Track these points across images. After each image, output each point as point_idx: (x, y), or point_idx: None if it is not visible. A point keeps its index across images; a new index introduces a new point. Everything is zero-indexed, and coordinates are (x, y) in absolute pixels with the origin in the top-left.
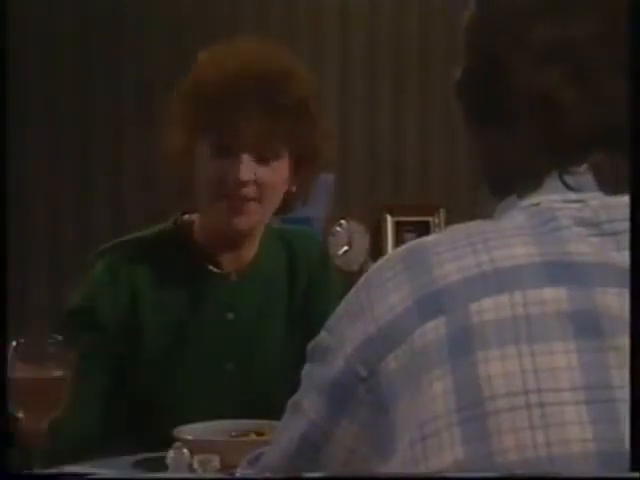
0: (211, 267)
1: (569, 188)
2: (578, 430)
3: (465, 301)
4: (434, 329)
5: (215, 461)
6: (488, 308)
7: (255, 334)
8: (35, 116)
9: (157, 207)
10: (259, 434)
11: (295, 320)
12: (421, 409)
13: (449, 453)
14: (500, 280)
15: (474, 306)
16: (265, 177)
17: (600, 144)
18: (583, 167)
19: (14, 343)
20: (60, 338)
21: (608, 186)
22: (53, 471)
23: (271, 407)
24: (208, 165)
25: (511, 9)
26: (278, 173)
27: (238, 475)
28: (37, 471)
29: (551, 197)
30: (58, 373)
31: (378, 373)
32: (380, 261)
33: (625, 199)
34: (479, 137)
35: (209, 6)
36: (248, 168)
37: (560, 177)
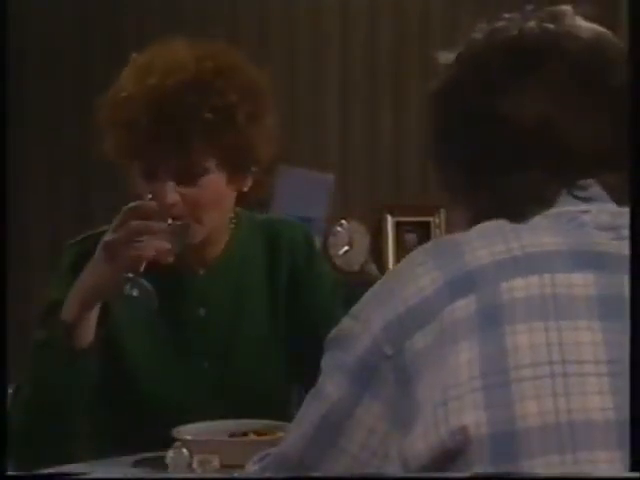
0: (177, 262)
1: (580, 200)
2: (599, 400)
3: (496, 280)
4: (464, 306)
5: (215, 461)
6: (518, 287)
7: (232, 329)
8: (35, 116)
9: None
10: (259, 434)
11: (279, 314)
12: (445, 377)
13: (471, 414)
14: (530, 263)
15: (505, 285)
16: (194, 196)
17: (604, 163)
18: (590, 180)
19: None
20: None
21: (618, 198)
22: (53, 471)
23: (257, 404)
24: (139, 187)
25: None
26: (210, 187)
27: (236, 475)
28: (37, 471)
29: (565, 209)
30: None
31: (404, 351)
32: (409, 254)
33: None
34: (479, 195)
35: (209, 6)
36: (172, 192)
37: (569, 193)
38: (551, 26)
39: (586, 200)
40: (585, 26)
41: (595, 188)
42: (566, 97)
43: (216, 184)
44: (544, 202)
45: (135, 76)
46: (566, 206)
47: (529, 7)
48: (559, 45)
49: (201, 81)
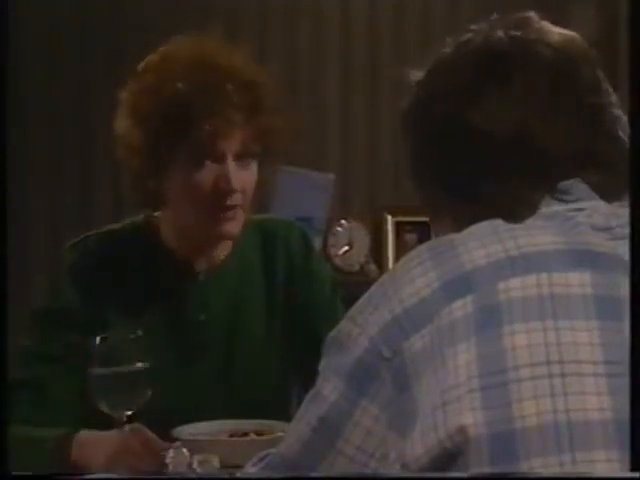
0: (178, 267)
1: (566, 201)
2: (596, 401)
3: (493, 281)
4: (461, 307)
5: (215, 461)
6: (515, 287)
7: (232, 331)
8: (35, 116)
9: None
10: (259, 434)
11: (277, 313)
12: (444, 378)
13: (469, 415)
14: (526, 263)
15: (501, 285)
16: (247, 181)
17: (583, 163)
18: (573, 181)
19: (97, 339)
20: (140, 333)
21: (607, 196)
22: (53, 471)
23: (257, 404)
24: (187, 174)
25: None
26: (253, 174)
27: (236, 474)
28: (37, 471)
29: (556, 208)
30: (139, 366)
31: (402, 353)
32: (405, 255)
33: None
34: (466, 201)
35: (209, 6)
36: (236, 176)
37: (553, 197)
38: (518, 33)
39: (573, 201)
40: (553, 30)
41: (580, 188)
42: (539, 102)
43: (256, 170)
44: (530, 208)
45: (190, 63)
46: (554, 207)
47: (494, 16)
48: (528, 51)
49: (251, 66)
